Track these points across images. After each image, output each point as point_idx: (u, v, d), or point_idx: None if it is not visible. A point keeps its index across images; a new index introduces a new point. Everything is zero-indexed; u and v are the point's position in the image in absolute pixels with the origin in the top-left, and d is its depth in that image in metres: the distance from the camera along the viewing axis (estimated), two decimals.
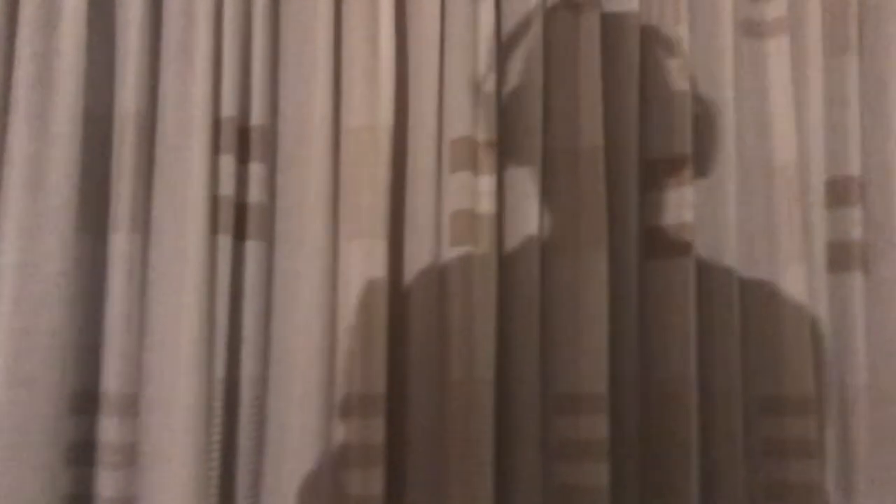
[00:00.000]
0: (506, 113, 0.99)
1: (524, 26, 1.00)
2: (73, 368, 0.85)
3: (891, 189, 1.08)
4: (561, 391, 0.95)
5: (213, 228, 0.87)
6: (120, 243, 0.86)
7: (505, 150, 0.99)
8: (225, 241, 0.88)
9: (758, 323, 1.03)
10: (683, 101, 1.02)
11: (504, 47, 1.01)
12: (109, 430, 0.85)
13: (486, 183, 0.95)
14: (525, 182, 0.98)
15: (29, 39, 0.83)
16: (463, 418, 0.89)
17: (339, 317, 0.88)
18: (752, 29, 1.08)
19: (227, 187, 0.88)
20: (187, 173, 0.86)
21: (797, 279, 1.02)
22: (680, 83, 1.02)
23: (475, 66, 0.96)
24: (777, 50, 1.06)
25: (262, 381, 0.89)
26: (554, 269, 0.97)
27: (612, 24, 1.03)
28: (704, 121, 1.05)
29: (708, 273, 1.02)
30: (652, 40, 1.04)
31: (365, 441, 0.86)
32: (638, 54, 1.03)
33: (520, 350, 0.95)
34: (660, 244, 1.01)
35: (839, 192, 1.09)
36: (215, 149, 0.88)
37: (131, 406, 0.86)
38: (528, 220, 0.97)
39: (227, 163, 0.88)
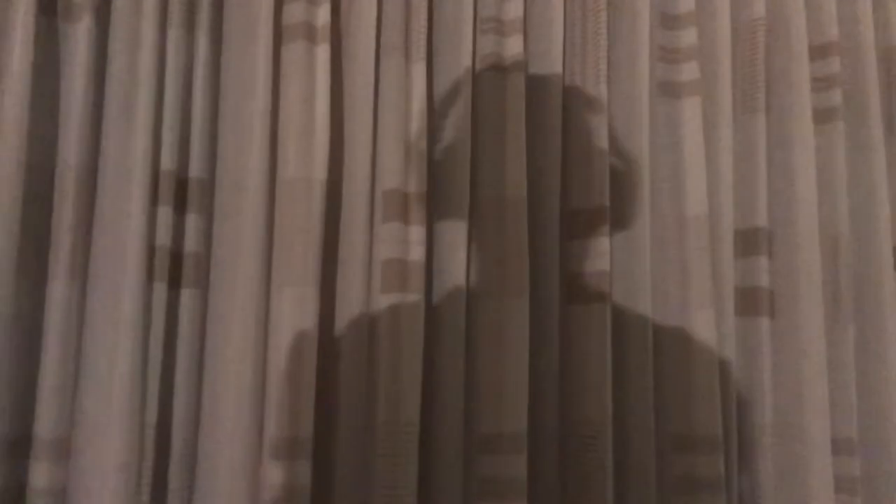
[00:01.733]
0: (436, 166, 1.05)
1: (455, 86, 1.06)
2: (7, 413, 0.87)
3: (795, 240, 1.16)
4: (483, 432, 1.00)
5: (150, 276, 0.91)
6: (58, 290, 0.89)
7: (435, 202, 1.05)
8: (160, 289, 0.91)
9: (670, 365, 1.09)
10: (602, 156, 1.09)
11: (436, 105, 1.07)
12: (40, 474, 0.88)
13: (416, 232, 1.00)
14: (453, 231, 1.03)
15: None
16: (389, 460, 0.94)
17: (269, 362, 0.92)
18: (667, 90, 1.16)
19: (164, 237, 0.92)
20: (126, 224, 0.89)
21: (707, 324, 1.09)
22: (599, 139, 1.09)
23: (407, 123, 1.02)
24: (691, 109, 1.14)
25: (194, 423, 0.93)
26: (479, 313, 1.03)
27: (536, 84, 1.10)
28: (622, 175, 1.12)
29: (624, 318, 1.09)
30: (574, 99, 1.11)
31: (291, 483, 0.90)
32: (560, 112, 1.10)
33: (445, 393, 1.00)
34: (579, 290, 1.08)
35: (748, 242, 1.16)
36: (153, 200, 0.92)
37: (63, 450, 0.89)
38: (456, 267, 1.02)
39: (165, 214, 0.92)
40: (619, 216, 1.11)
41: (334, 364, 0.97)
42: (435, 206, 1.04)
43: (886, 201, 1.20)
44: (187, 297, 0.94)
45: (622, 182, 1.11)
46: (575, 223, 1.10)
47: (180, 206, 0.95)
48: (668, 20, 1.17)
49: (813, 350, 1.14)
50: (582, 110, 1.11)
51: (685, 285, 1.10)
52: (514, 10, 1.08)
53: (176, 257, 0.94)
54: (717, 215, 1.14)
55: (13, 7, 0.89)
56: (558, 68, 1.10)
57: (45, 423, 0.88)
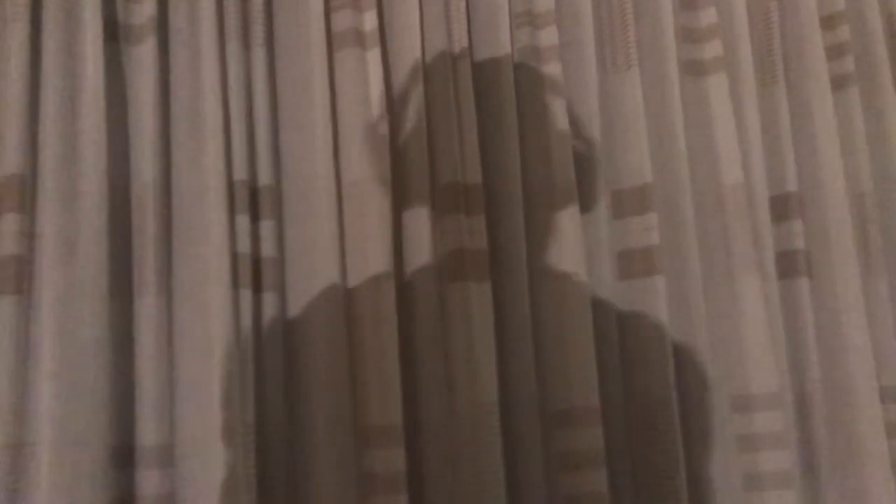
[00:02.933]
0: (488, 160, 1.09)
1: (497, 79, 1.10)
2: (112, 426, 0.90)
3: (824, 201, 1.22)
4: (557, 408, 1.04)
5: (235, 284, 0.94)
6: (147, 306, 0.92)
7: (490, 194, 1.09)
8: (246, 295, 0.94)
9: (721, 331, 1.14)
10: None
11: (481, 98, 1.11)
12: (148, 481, 0.90)
13: (477, 222, 1.04)
14: (515, 222, 1.07)
15: (52, 122, 0.89)
16: (474, 440, 0.97)
17: (356, 356, 0.96)
18: (693, 68, 1.21)
19: (244, 245, 0.95)
20: (206, 234, 0.92)
21: (754, 288, 1.14)
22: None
23: (459, 118, 1.06)
24: (717, 85, 1.19)
25: (287, 422, 0.96)
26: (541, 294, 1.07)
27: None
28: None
29: (675, 291, 1.13)
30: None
31: (388, 470, 0.93)
32: (597, 99, 1.14)
33: (517, 373, 1.04)
34: (632, 265, 1.12)
35: (781, 208, 1.22)
36: (231, 209, 0.95)
37: (167, 457, 0.91)
38: (515, 253, 1.06)
39: (243, 222, 0.95)
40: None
41: (413, 352, 1.01)
42: (490, 198, 1.08)
43: None
44: (268, 300, 0.97)
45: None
46: (621, 202, 1.14)
47: (255, 213, 0.98)
48: (687, 1, 1.22)
49: (851, 304, 1.19)
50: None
51: (729, 252, 1.15)
52: (545, 2, 1.12)
53: (255, 263, 0.97)
54: (751, 185, 1.19)
55: (81, 35, 0.92)
56: (591, 55, 1.14)
57: (148, 432, 0.90)
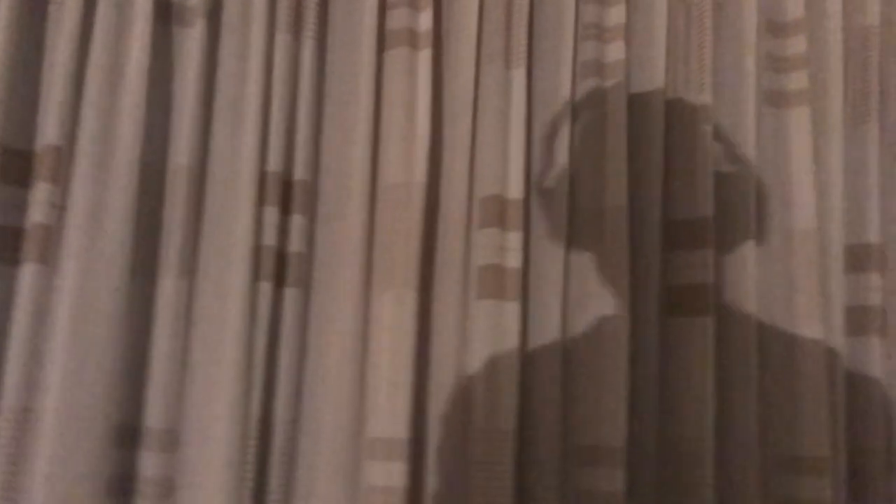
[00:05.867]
0: (536, 173, 1.04)
1: (554, 91, 1.05)
2: (119, 404, 0.90)
3: None
4: (581, 443, 0.98)
5: (256, 275, 0.92)
6: (168, 287, 0.91)
7: (534, 209, 1.04)
8: (266, 288, 0.93)
9: (777, 383, 1.05)
10: (706, 167, 1.06)
11: (536, 112, 1.06)
12: (149, 463, 0.90)
13: (514, 239, 1.00)
14: (552, 240, 1.02)
15: (93, 97, 0.90)
16: (484, 467, 0.92)
17: (368, 363, 0.93)
18: (774, 99, 1.12)
19: (270, 237, 0.94)
20: (233, 223, 0.92)
21: (816, 341, 1.04)
22: (704, 149, 1.06)
23: (506, 129, 1.02)
24: (798, 119, 1.10)
25: (294, 422, 0.94)
26: (577, 324, 1.01)
27: (638, 91, 1.08)
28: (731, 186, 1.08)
29: (729, 333, 1.05)
30: (677, 107, 1.09)
31: (388, 484, 0.89)
32: (662, 120, 1.07)
33: (543, 403, 0.98)
34: (680, 302, 1.05)
35: (858, 258, 1.12)
36: (261, 201, 0.94)
37: (171, 441, 0.91)
38: (553, 276, 1.01)
39: (271, 214, 0.94)
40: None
41: (429, 368, 0.97)
42: (533, 214, 1.03)
43: None
44: (291, 296, 0.95)
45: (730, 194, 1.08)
46: (678, 234, 1.07)
47: (286, 207, 0.97)
48: (775, 27, 1.14)
49: None
50: (686, 119, 1.08)
51: (791, 302, 1.06)
52: (616, 16, 1.07)
53: (280, 257, 0.96)
54: (827, 230, 1.10)
55: (132, 13, 0.93)
56: (661, 75, 1.08)
57: (156, 414, 0.90)
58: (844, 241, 1.11)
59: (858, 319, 1.10)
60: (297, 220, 0.97)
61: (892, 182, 1.14)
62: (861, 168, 1.13)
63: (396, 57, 1.00)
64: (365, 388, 0.93)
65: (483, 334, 0.96)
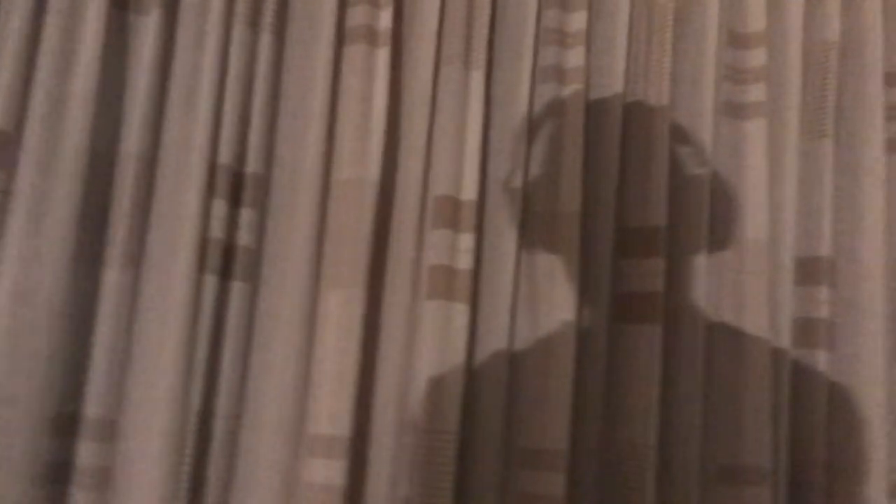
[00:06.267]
0: (490, 175, 1.04)
1: (513, 94, 1.05)
2: (58, 392, 0.89)
3: (858, 271, 1.12)
4: (524, 446, 0.98)
5: (202, 268, 0.92)
6: (113, 276, 0.91)
7: (486, 211, 1.04)
8: (211, 281, 0.92)
9: (721, 393, 1.06)
10: (661, 175, 1.06)
11: (494, 115, 1.06)
12: (86, 453, 0.89)
13: (466, 240, 1.00)
14: (503, 242, 1.02)
15: (44, 81, 0.89)
16: (425, 467, 0.93)
17: (313, 359, 0.93)
18: (732, 110, 1.13)
19: (218, 230, 0.93)
20: (181, 214, 0.91)
21: (761, 352, 1.05)
22: (660, 158, 1.07)
23: (463, 130, 1.02)
24: (755, 131, 1.11)
25: (236, 417, 0.93)
26: (525, 327, 1.02)
27: (596, 98, 1.09)
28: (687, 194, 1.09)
29: (676, 341, 1.06)
30: (635, 115, 1.10)
31: (328, 482, 0.89)
32: (620, 128, 1.08)
33: (487, 404, 0.98)
34: (629, 309, 1.05)
35: (808, 271, 1.13)
36: (210, 193, 0.93)
37: (109, 431, 0.90)
38: (504, 279, 1.01)
39: (220, 207, 0.94)
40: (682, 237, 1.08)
41: (375, 365, 0.97)
42: (486, 216, 1.04)
43: None
44: (237, 290, 0.95)
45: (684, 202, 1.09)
46: (630, 242, 1.07)
47: (235, 200, 0.96)
48: (737, 39, 1.14)
49: (872, 384, 1.09)
50: (643, 127, 1.09)
51: (740, 312, 1.07)
52: (578, 21, 1.07)
53: (228, 250, 0.95)
54: (779, 242, 1.11)
55: None
56: (620, 83, 1.08)
57: (95, 404, 0.89)
58: (796, 254, 1.12)
59: (806, 331, 1.11)
60: (246, 214, 0.96)
61: (845, 197, 1.15)
62: (815, 182, 1.14)
63: (355, 54, 0.99)
64: (309, 385, 0.93)
65: (431, 335, 0.96)
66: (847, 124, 1.17)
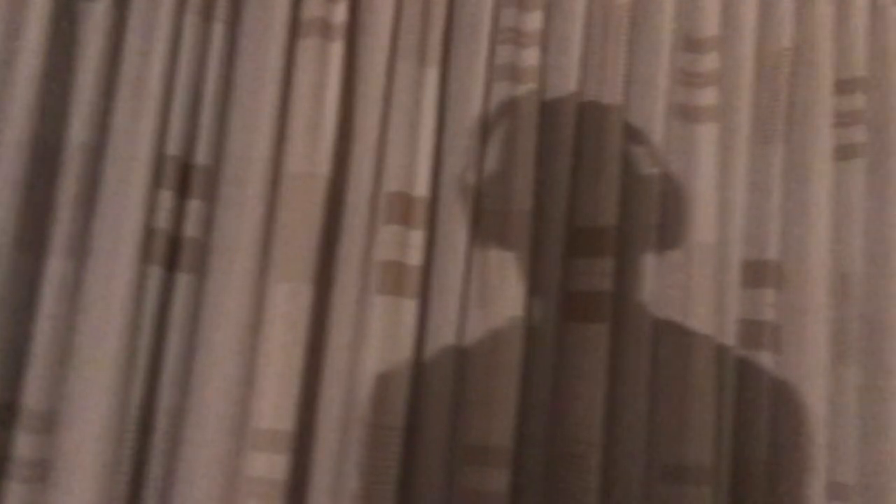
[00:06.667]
0: (444, 172, 1.05)
1: (468, 92, 1.05)
2: None
3: (804, 275, 1.14)
4: (469, 443, 0.98)
5: (146, 259, 0.91)
6: (56, 266, 0.90)
7: (439, 208, 1.04)
8: (156, 272, 0.92)
9: (667, 392, 1.07)
10: (612, 176, 1.07)
11: (449, 112, 1.06)
12: (24, 444, 0.88)
13: (416, 236, 1.00)
14: (454, 240, 1.02)
15: None
16: (369, 462, 0.93)
17: (259, 354, 0.92)
18: (684, 113, 1.14)
19: (164, 221, 0.92)
20: (126, 205, 0.90)
21: (707, 354, 1.07)
22: (611, 159, 1.08)
23: (416, 126, 1.02)
24: (707, 135, 1.12)
25: (179, 410, 0.93)
26: (474, 324, 1.02)
27: (551, 98, 1.09)
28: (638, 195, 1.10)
29: (621, 342, 1.07)
30: (588, 117, 1.10)
31: (269, 476, 0.89)
32: (573, 128, 1.08)
33: (433, 400, 0.99)
34: (578, 309, 1.06)
35: (755, 274, 1.14)
36: (157, 183, 0.92)
37: (48, 423, 0.89)
38: (453, 276, 1.01)
39: (167, 198, 0.93)
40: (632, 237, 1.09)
41: (322, 361, 0.96)
42: (438, 213, 1.04)
43: None
44: (183, 282, 0.94)
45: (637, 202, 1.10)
46: (580, 241, 1.08)
47: (183, 192, 0.95)
48: (690, 43, 1.16)
49: (815, 388, 1.11)
50: (596, 129, 1.10)
51: (687, 313, 1.08)
52: (533, 21, 1.07)
53: (175, 242, 0.94)
54: (726, 244, 1.12)
55: None
56: (574, 83, 1.09)
57: (34, 395, 0.88)
58: (743, 257, 1.14)
59: (752, 333, 1.13)
60: (194, 205, 0.96)
61: (794, 202, 1.17)
62: (764, 186, 1.16)
63: (308, 47, 0.99)
64: (254, 379, 0.92)
65: (379, 330, 0.96)
66: (797, 130, 1.18)
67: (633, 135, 1.12)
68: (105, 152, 0.92)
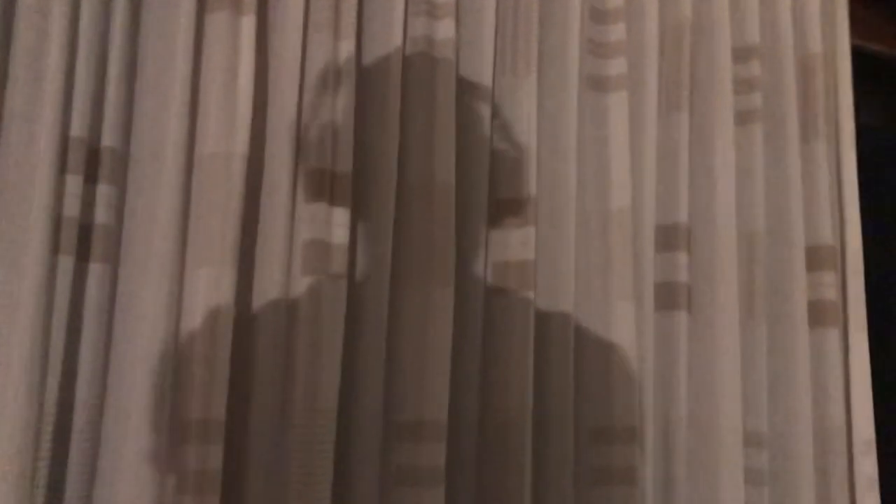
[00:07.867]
0: (363, 148, 1.03)
1: (384, 65, 1.04)
2: None
3: (713, 237, 1.19)
4: (403, 419, 0.98)
5: (55, 249, 0.85)
6: None
7: (361, 184, 1.02)
8: (66, 262, 0.86)
9: (590, 357, 1.10)
10: (528, 147, 1.08)
11: (365, 85, 1.04)
12: None
13: (340, 214, 0.98)
14: (378, 216, 1.01)
15: None
16: (305, 445, 0.91)
17: (181, 342, 0.88)
18: (595, 83, 1.16)
19: (72, 208, 0.87)
20: (30, 192, 0.84)
21: (627, 316, 1.10)
22: (526, 130, 1.09)
23: (334, 101, 0.99)
24: (617, 104, 1.15)
25: (97, 405, 0.88)
26: (403, 301, 1.01)
27: (466, 70, 1.09)
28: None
29: (547, 310, 1.09)
30: (500, 88, 1.11)
31: (202, 468, 0.86)
32: (490, 100, 1.09)
33: (365, 379, 0.97)
34: (503, 280, 1.07)
35: (668, 238, 1.18)
36: (62, 168, 0.86)
37: None
38: (380, 252, 1.00)
39: (74, 183, 0.87)
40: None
41: (250, 346, 0.93)
42: (360, 189, 1.02)
43: (801, 203, 1.24)
44: (95, 271, 0.89)
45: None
46: (501, 212, 1.09)
47: (91, 176, 0.90)
48: (597, 14, 1.18)
49: (727, 345, 1.17)
50: (508, 100, 1.10)
51: (607, 278, 1.11)
52: None
53: (85, 230, 0.89)
54: (640, 210, 1.16)
55: None
56: (489, 56, 1.09)
57: None
58: (656, 222, 1.17)
59: (667, 295, 1.17)
60: (103, 190, 0.90)
61: (700, 166, 1.21)
62: (673, 153, 1.20)
63: (218, 21, 0.95)
64: (179, 369, 0.88)
65: (307, 312, 0.93)
66: (701, 98, 1.23)
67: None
68: (2, 138, 0.85)
